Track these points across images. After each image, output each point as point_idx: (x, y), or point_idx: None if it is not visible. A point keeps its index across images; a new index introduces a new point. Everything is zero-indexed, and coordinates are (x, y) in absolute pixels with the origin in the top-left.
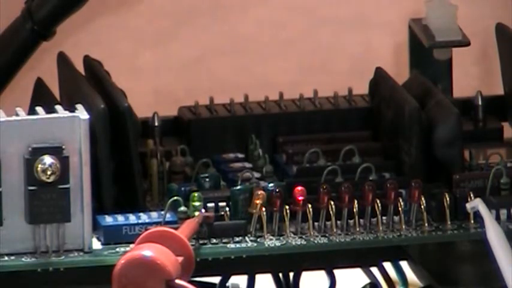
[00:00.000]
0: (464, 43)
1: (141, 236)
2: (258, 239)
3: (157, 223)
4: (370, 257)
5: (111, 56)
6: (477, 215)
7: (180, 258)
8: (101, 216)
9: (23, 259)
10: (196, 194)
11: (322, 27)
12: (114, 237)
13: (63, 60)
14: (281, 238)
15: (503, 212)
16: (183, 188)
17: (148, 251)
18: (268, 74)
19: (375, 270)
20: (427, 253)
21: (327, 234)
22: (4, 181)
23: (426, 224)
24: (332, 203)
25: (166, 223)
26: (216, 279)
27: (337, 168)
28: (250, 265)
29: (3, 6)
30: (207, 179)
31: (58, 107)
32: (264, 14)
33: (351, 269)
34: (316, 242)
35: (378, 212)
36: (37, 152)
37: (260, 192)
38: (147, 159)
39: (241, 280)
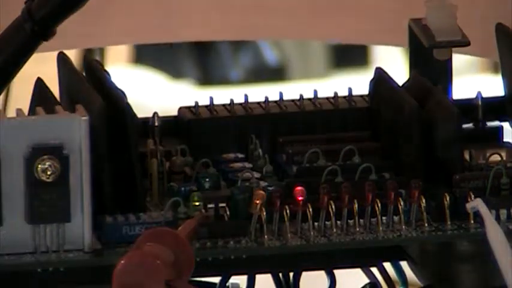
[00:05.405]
0: (464, 43)
1: (141, 236)
2: (258, 239)
3: (157, 223)
4: (370, 257)
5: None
6: (477, 215)
7: (180, 258)
8: (101, 216)
9: (23, 259)
10: (196, 194)
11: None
12: (114, 237)
13: (63, 60)
14: (281, 238)
15: (503, 212)
16: (183, 188)
17: (148, 251)
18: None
19: (375, 270)
20: (427, 253)
21: (327, 234)
22: (4, 181)
23: (426, 224)
24: (332, 203)
25: (166, 223)
26: (216, 279)
27: (337, 168)
28: (250, 265)
29: (3, 6)
30: (207, 179)
31: (58, 107)
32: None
33: (351, 269)
34: (316, 242)
35: (377, 212)
36: (37, 152)
37: (260, 192)
38: (147, 159)
39: (241, 280)
